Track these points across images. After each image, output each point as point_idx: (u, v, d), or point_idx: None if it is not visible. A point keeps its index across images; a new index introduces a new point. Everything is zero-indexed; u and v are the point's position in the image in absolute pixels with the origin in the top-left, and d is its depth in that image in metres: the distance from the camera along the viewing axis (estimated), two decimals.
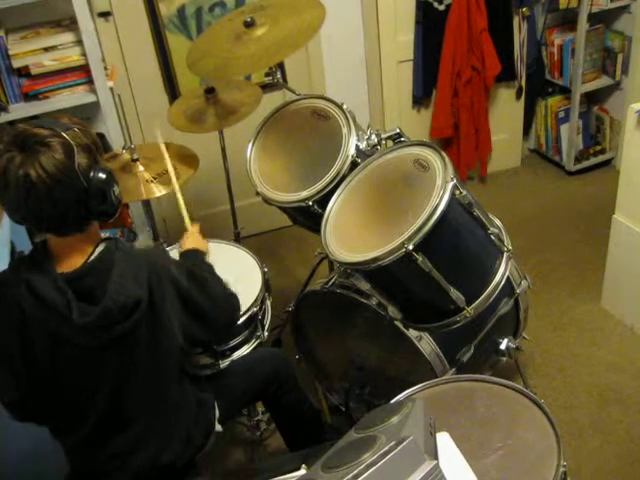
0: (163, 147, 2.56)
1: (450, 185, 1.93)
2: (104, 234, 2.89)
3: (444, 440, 1.48)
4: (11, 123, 2.97)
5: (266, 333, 2.53)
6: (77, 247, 1.73)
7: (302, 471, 1.66)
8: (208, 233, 2.49)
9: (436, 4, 3.90)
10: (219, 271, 2.18)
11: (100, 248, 1.74)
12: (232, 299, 2.09)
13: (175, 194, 2.49)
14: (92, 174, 1.65)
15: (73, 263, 1.71)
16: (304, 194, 2.43)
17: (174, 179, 2.53)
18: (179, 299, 1.83)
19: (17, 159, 1.56)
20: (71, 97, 3.02)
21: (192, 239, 2.33)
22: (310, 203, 2.39)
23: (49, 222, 1.67)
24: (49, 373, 1.77)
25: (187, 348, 1.95)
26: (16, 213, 1.67)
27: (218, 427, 2.17)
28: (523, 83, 4.28)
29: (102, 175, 1.67)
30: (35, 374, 1.77)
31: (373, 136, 2.47)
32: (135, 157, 2.67)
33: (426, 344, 2.34)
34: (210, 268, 2.13)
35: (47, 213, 1.63)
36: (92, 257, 1.72)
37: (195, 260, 2.17)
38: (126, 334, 1.72)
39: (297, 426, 2.51)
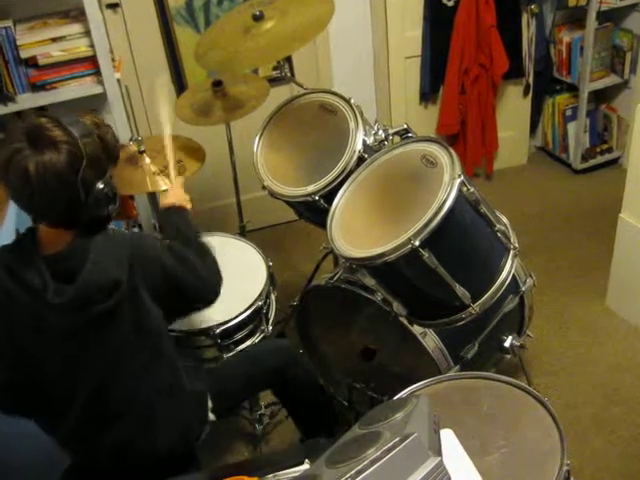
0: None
1: (457, 181, 1.93)
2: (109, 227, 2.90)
3: (448, 437, 1.48)
4: (18, 114, 2.97)
5: (270, 327, 2.53)
6: (65, 234, 1.74)
7: (305, 465, 1.66)
8: (214, 226, 2.49)
9: (445, 0, 3.89)
10: (224, 265, 2.18)
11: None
12: (214, 269, 2.03)
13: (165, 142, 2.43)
14: (94, 188, 1.66)
15: (57, 246, 1.73)
16: (310, 189, 2.42)
17: (168, 130, 2.44)
18: (163, 278, 1.83)
19: (24, 151, 1.58)
20: (78, 88, 3.01)
21: (173, 193, 2.25)
22: (316, 198, 2.39)
23: (42, 215, 1.71)
24: (34, 356, 1.78)
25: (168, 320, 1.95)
26: (14, 198, 1.69)
27: (211, 416, 2.17)
28: (531, 80, 4.27)
29: (103, 192, 1.69)
30: (21, 358, 1.78)
31: (380, 131, 2.46)
32: (142, 149, 2.67)
33: (430, 340, 2.34)
34: (195, 230, 2.10)
35: (40, 207, 1.67)
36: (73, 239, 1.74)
37: (178, 220, 2.13)
38: (105, 315, 1.73)
39: (309, 414, 2.48)
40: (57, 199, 1.63)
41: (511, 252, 2.18)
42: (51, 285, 1.67)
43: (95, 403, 1.84)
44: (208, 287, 2.00)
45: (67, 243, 1.72)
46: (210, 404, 2.17)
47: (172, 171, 2.37)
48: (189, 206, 2.24)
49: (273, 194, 2.56)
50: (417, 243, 1.89)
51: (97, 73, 3.00)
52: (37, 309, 1.70)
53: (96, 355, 1.78)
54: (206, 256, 2.03)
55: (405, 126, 2.49)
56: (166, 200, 2.22)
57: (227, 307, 2.41)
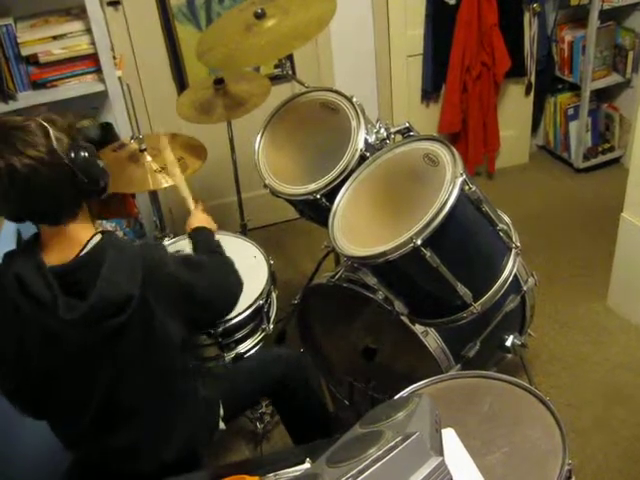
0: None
1: (459, 180, 1.92)
2: (110, 225, 2.90)
3: (449, 436, 1.47)
4: (19, 112, 2.97)
5: (271, 326, 2.53)
6: (69, 238, 1.71)
7: (306, 465, 1.65)
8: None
9: None
10: None
11: (93, 242, 1.72)
12: (234, 278, 2.06)
13: (177, 178, 2.51)
14: (73, 152, 1.64)
15: (64, 256, 1.69)
16: (312, 187, 2.42)
17: (175, 162, 2.54)
18: (180, 292, 1.81)
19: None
20: (79, 86, 3.01)
21: (198, 218, 2.30)
22: (318, 196, 2.38)
23: (41, 211, 1.67)
24: (43, 367, 1.77)
25: (192, 335, 1.94)
26: (6, 207, 1.66)
27: (222, 425, 2.17)
28: (533, 79, 4.26)
29: (84, 152, 1.66)
30: (30, 367, 1.77)
31: (382, 130, 2.45)
32: (143, 147, 2.67)
33: (432, 339, 2.34)
34: (218, 246, 2.14)
35: (37, 200, 1.63)
36: (84, 251, 1.70)
37: (203, 238, 2.17)
38: (118, 329, 1.70)
39: (303, 426, 2.46)
40: (50, 178, 1.60)
41: (513, 251, 2.17)
42: (61, 299, 1.64)
43: (107, 407, 1.83)
44: (226, 293, 2.02)
45: (75, 250, 1.69)
46: (221, 412, 2.16)
47: (190, 202, 2.42)
48: (214, 226, 2.30)
49: (274, 192, 2.55)
50: (419, 242, 1.89)
51: (98, 71, 3.01)
52: (46, 321, 1.67)
53: (108, 364, 1.77)
54: (226, 265, 2.06)
55: (407, 124, 2.48)
56: (192, 224, 2.27)
57: None
